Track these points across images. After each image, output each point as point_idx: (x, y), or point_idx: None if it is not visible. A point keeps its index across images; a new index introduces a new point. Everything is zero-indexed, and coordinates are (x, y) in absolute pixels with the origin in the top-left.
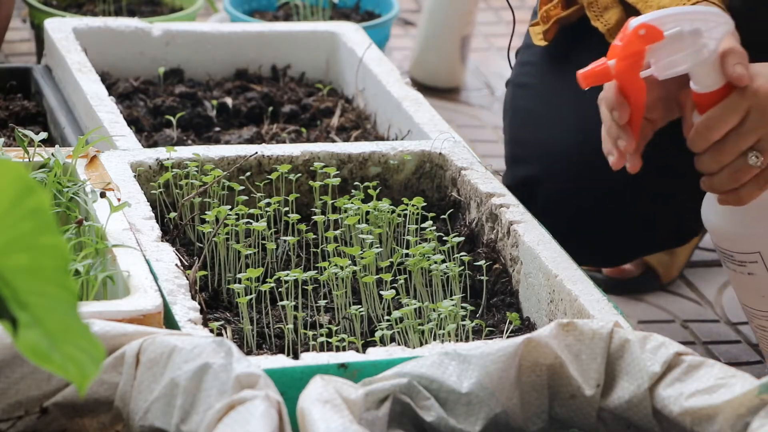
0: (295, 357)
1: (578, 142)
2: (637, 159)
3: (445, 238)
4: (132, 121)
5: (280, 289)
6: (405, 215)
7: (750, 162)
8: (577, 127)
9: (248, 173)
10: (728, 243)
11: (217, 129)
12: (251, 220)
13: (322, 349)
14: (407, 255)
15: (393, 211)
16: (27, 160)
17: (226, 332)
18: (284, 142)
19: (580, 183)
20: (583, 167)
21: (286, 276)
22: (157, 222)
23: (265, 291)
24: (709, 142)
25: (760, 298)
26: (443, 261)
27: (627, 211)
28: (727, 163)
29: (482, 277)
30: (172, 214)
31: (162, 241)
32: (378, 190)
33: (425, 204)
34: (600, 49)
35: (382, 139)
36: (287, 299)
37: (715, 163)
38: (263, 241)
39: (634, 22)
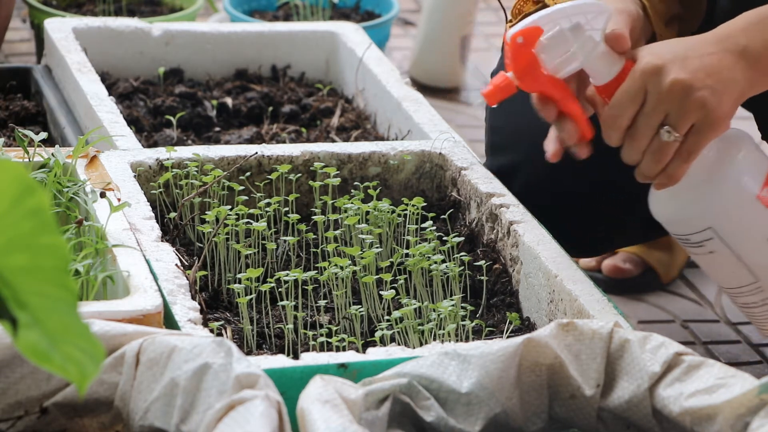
0: (295, 357)
1: None
2: (585, 147)
3: (445, 238)
4: (132, 121)
5: (280, 289)
6: (405, 215)
7: (664, 139)
8: None
9: (248, 173)
10: (680, 227)
11: (217, 129)
12: (251, 220)
13: (322, 349)
14: (407, 255)
15: (393, 211)
16: (27, 160)
17: (226, 332)
18: (284, 142)
19: (556, 171)
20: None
21: (286, 276)
22: (157, 222)
23: (265, 291)
24: (620, 131)
25: (730, 274)
26: (443, 261)
27: (603, 200)
28: (644, 147)
29: (482, 277)
30: (172, 214)
31: (162, 241)
32: (378, 190)
33: (425, 204)
34: None
35: (382, 139)
36: (287, 299)
37: (635, 150)
38: (263, 241)
39: (510, 32)
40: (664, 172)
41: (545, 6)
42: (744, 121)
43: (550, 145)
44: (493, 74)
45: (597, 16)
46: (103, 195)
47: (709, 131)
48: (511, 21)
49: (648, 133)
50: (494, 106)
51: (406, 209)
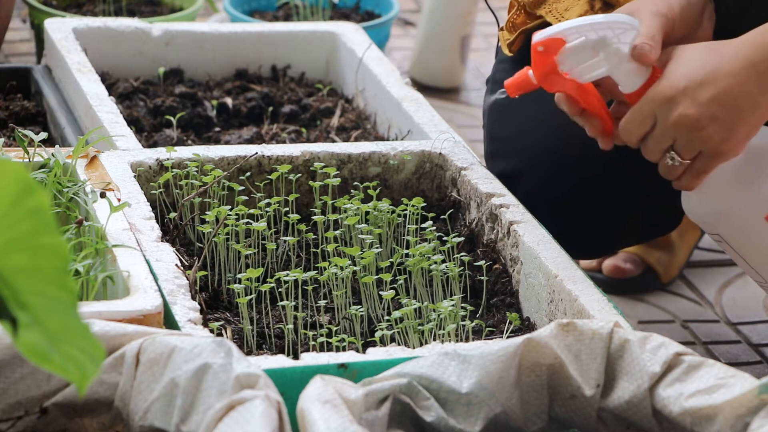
0: (295, 357)
1: (553, 135)
2: (608, 139)
3: (445, 238)
4: (132, 121)
5: (280, 289)
6: (405, 215)
7: (668, 163)
8: (552, 120)
9: (248, 173)
10: (698, 223)
11: (217, 129)
12: (251, 220)
13: (322, 349)
14: (407, 255)
15: (393, 211)
16: (27, 160)
17: (226, 332)
18: (284, 142)
19: (556, 175)
20: (559, 160)
21: (286, 276)
22: (157, 222)
23: (265, 291)
24: (633, 145)
25: (748, 270)
26: (443, 261)
27: (605, 202)
28: (655, 161)
29: (482, 277)
30: (172, 214)
31: (162, 241)
32: (378, 190)
33: (425, 204)
34: None
35: (382, 139)
36: (287, 299)
37: (648, 159)
38: (263, 241)
39: (535, 37)
40: (677, 181)
41: (538, 18)
42: None
43: (600, 141)
44: (488, 81)
45: (625, 32)
46: (103, 195)
47: (716, 159)
48: (502, 29)
49: (656, 153)
50: (514, 97)
51: (406, 209)
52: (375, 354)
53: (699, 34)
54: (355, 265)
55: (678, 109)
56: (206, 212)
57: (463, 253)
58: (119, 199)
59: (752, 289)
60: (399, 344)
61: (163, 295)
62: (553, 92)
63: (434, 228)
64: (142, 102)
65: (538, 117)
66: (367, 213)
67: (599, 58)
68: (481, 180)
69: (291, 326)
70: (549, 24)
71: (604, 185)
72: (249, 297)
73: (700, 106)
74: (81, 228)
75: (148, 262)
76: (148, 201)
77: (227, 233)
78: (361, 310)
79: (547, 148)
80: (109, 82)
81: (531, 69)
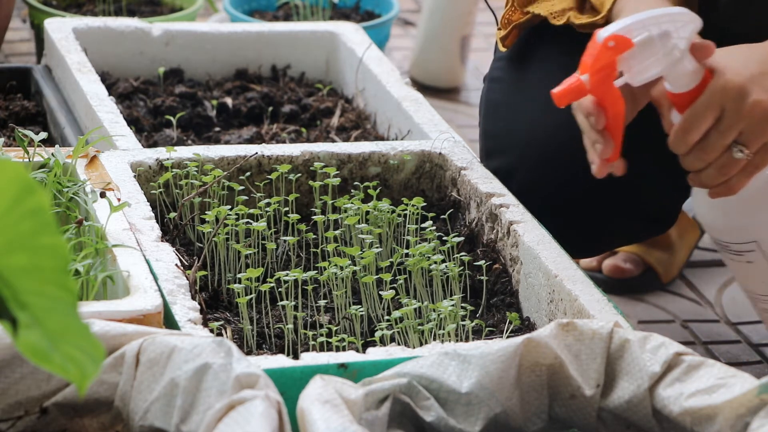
0: (295, 357)
1: (549, 132)
2: (620, 163)
3: (445, 238)
4: (132, 121)
5: (280, 289)
6: (405, 215)
7: (736, 156)
8: (547, 117)
9: (248, 173)
10: (724, 235)
11: (217, 129)
12: (251, 220)
13: (322, 349)
14: (407, 255)
15: (393, 211)
16: (27, 160)
17: (226, 332)
18: (284, 142)
19: (549, 172)
20: (555, 157)
21: (286, 276)
22: (157, 222)
23: (265, 291)
24: (689, 145)
25: (761, 283)
26: (443, 261)
27: (600, 200)
28: (712, 160)
29: (482, 277)
30: (172, 214)
31: (162, 241)
32: (378, 190)
33: (425, 204)
34: (563, 40)
35: (382, 139)
36: (287, 299)
37: (700, 161)
38: (263, 241)
39: (602, 33)
40: (725, 184)
41: (534, 16)
42: None
43: (596, 164)
44: (485, 79)
45: (685, 25)
46: (103, 195)
47: None
48: (500, 29)
49: (719, 149)
50: (562, 107)
51: (406, 209)
52: (375, 354)
53: None
54: (355, 265)
55: (751, 97)
56: (206, 212)
57: (463, 253)
58: (119, 199)
59: None
60: (399, 344)
61: (163, 295)
62: (596, 98)
63: (434, 228)
64: (142, 102)
65: (531, 114)
66: (367, 213)
67: (657, 56)
68: (481, 180)
69: (291, 326)
70: (541, 18)
71: (596, 183)
72: (249, 297)
73: None
74: (81, 228)
75: (148, 262)
76: (148, 201)
77: (227, 233)
78: (361, 310)
79: (539, 145)
80: (109, 82)
81: (582, 73)
